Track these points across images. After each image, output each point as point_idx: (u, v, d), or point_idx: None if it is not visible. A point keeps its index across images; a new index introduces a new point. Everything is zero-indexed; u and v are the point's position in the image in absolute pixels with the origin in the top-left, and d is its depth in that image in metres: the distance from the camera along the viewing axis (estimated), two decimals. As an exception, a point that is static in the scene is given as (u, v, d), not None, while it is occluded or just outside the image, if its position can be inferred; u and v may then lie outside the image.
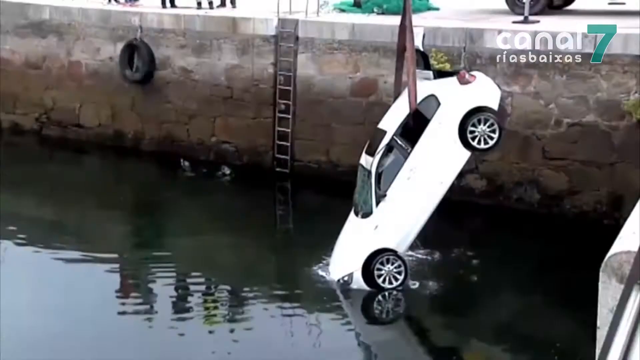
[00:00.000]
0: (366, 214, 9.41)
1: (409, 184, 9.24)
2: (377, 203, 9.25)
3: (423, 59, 9.87)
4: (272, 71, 13.52)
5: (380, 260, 9.15)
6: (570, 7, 14.45)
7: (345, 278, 9.30)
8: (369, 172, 9.38)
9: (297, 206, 13.66)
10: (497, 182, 11.81)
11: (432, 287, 9.39)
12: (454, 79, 9.57)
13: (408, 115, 9.30)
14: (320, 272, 9.67)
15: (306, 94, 13.28)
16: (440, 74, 9.93)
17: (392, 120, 9.53)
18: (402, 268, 9.21)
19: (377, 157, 9.29)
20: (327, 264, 9.73)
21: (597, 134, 11.02)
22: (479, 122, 9.14)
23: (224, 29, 14.02)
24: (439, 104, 9.32)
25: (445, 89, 9.47)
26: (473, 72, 9.89)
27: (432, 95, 9.35)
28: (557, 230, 10.88)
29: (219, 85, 14.12)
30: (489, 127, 9.15)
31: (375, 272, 9.15)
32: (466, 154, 9.33)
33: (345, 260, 9.44)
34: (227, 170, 13.80)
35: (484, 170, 11.82)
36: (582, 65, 10.95)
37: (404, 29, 9.65)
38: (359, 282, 9.22)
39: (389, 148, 9.33)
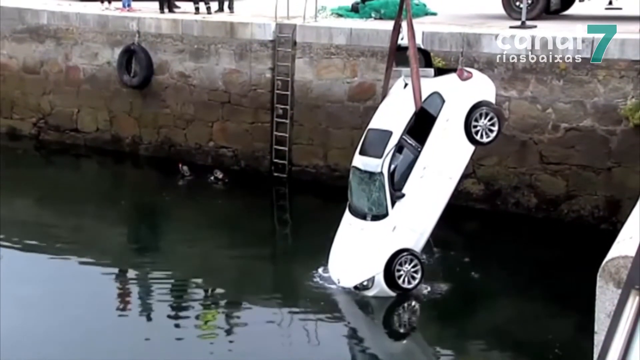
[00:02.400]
0: (379, 216, 9.32)
1: (423, 182, 9.30)
2: (393, 204, 9.24)
3: (424, 57, 9.92)
4: (270, 76, 13.54)
5: (399, 261, 9.12)
6: (567, 12, 14.49)
7: (365, 283, 9.17)
8: (374, 173, 9.33)
9: (295, 211, 13.64)
10: (494, 186, 11.82)
11: (429, 291, 9.37)
12: (453, 75, 9.76)
13: (414, 114, 9.35)
14: (320, 279, 9.60)
15: (304, 99, 13.29)
16: (439, 72, 10.03)
17: (395, 119, 9.51)
18: (419, 267, 9.23)
19: (388, 158, 9.26)
20: (326, 271, 9.62)
21: (595, 138, 11.04)
22: (481, 116, 9.43)
23: (221, 33, 14.03)
24: (443, 101, 9.46)
25: (448, 86, 9.62)
26: (469, 69, 10.13)
27: (436, 93, 9.49)
28: (555, 235, 10.90)
29: (217, 90, 14.13)
30: (489, 120, 9.47)
31: (396, 274, 9.13)
32: (471, 149, 9.58)
33: (362, 265, 9.25)
34: (220, 174, 13.72)
35: (482, 174, 11.83)
36: (579, 70, 10.98)
37: (397, 28, 9.78)
38: (380, 285, 9.13)
39: (399, 148, 9.33)
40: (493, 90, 9.94)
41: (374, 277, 9.14)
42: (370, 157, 9.50)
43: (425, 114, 9.40)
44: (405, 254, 9.15)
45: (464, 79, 9.66)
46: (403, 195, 9.22)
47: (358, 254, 9.38)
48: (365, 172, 9.53)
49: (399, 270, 9.12)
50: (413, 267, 9.19)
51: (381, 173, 9.26)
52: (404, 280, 9.17)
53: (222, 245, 11.30)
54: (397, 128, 9.37)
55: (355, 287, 9.26)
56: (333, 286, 9.45)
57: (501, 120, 9.73)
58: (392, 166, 9.27)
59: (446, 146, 9.40)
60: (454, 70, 10.00)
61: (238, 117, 13.97)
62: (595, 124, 11.03)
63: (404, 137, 9.31)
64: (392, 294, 9.20)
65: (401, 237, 9.24)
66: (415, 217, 9.29)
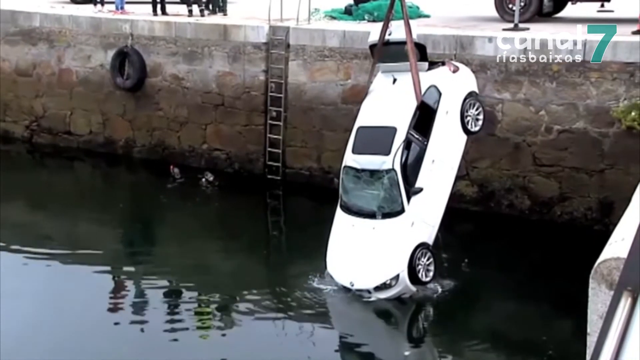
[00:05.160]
0: (392, 213, 9.28)
1: (432, 175, 9.41)
2: (409, 199, 9.23)
3: (420, 51, 10.01)
4: (263, 78, 13.53)
5: (417, 256, 9.13)
6: (560, 14, 14.53)
7: (388, 282, 9.08)
8: (380, 171, 9.31)
9: (289, 213, 13.64)
10: (488, 188, 11.84)
11: (422, 294, 9.37)
12: (445, 68, 10.08)
13: (417, 108, 9.44)
14: (315, 282, 9.53)
15: (297, 101, 13.29)
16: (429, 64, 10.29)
17: (397, 115, 9.54)
18: (432, 260, 9.27)
19: (398, 153, 9.27)
20: (323, 275, 9.53)
21: (587, 140, 11.07)
22: (470, 106, 9.86)
23: (215, 36, 14.03)
24: (440, 93, 9.66)
25: (442, 78, 9.88)
26: (455, 62, 10.51)
27: (433, 86, 9.69)
28: (548, 237, 10.91)
29: (210, 92, 14.12)
30: (476, 110, 9.94)
31: (416, 269, 9.12)
32: (465, 138, 9.89)
33: (385, 264, 9.12)
34: (211, 177, 13.68)
35: (475, 176, 11.85)
36: (572, 73, 11.02)
37: (386, 24, 9.90)
38: (404, 282, 9.08)
39: (407, 144, 9.35)
40: (475, 81, 10.45)
41: (398, 275, 9.06)
42: (372, 155, 9.45)
43: (425, 107, 9.53)
44: (421, 248, 9.20)
45: (453, 72, 10.06)
46: (421, 190, 9.26)
47: (376, 253, 9.24)
48: (364, 170, 9.49)
49: (417, 265, 9.13)
50: (427, 260, 9.24)
51: (393, 170, 9.25)
52: (422, 275, 9.19)
53: (215, 248, 11.30)
54: (402, 123, 9.41)
55: (376, 288, 9.12)
56: (329, 290, 9.43)
57: (485, 110, 10.30)
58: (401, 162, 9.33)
59: (447, 138, 9.63)
60: (440, 63, 10.30)
61: (231, 119, 13.96)
62: (588, 126, 11.06)
63: (411, 132, 9.36)
64: (414, 289, 9.18)
65: (419, 231, 9.28)
66: (428, 211, 9.37)
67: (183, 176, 13.97)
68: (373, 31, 10.59)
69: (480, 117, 10.01)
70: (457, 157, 9.84)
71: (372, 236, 9.37)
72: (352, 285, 9.21)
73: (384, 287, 9.11)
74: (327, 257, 9.52)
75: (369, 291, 9.19)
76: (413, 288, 9.15)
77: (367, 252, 9.31)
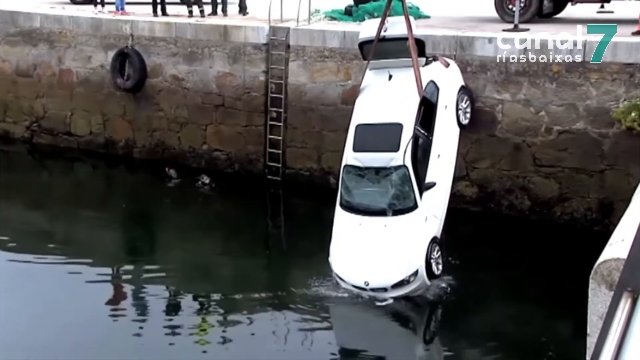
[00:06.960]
0: (404, 210, 9.24)
1: (438, 169, 9.49)
2: (421, 195, 9.23)
3: (418, 46, 10.02)
4: (264, 79, 13.54)
5: (431, 250, 9.16)
6: (560, 15, 14.53)
7: (406, 278, 9.00)
8: (388, 168, 9.29)
9: (289, 213, 13.64)
10: (488, 189, 11.84)
11: (422, 294, 9.37)
12: (439, 63, 10.38)
13: (420, 103, 9.51)
14: (316, 282, 9.52)
15: (297, 102, 13.30)
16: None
17: (401, 111, 9.53)
18: (440, 252, 9.33)
19: (408, 149, 9.26)
20: (324, 276, 9.50)
21: (587, 141, 11.07)
22: (461, 100, 10.23)
23: (215, 36, 14.04)
24: (437, 88, 9.82)
25: (438, 73, 10.09)
26: (444, 58, 10.87)
27: (432, 81, 9.85)
28: (548, 237, 10.92)
29: (211, 93, 14.12)
30: (465, 103, 10.31)
31: (430, 262, 9.15)
32: (459, 131, 10.19)
33: (403, 261, 9.02)
34: (207, 179, 13.68)
35: (475, 177, 11.86)
36: (572, 73, 11.02)
37: (383, 20, 9.94)
38: (422, 278, 9.05)
39: (414, 139, 9.36)
40: (461, 75, 10.85)
41: (417, 271, 9.01)
42: (378, 152, 9.41)
43: (426, 102, 9.59)
44: (432, 242, 9.24)
45: (446, 67, 10.43)
46: (433, 185, 9.31)
47: (391, 251, 9.13)
48: (368, 168, 9.45)
49: (431, 259, 9.17)
50: (437, 253, 9.30)
51: (404, 166, 9.22)
52: (435, 269, 9.22)
53: (216, 249, 11.31)
54: (407, 119, 9.39)
55: (393, 285, 9.01)
56: (330, 290, 9.43)
57: (473, 103, 10.79)
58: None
59: (447, 131, 9.82)
60: (432, 58, 10.50)
61: (232, 120, 13.96)
62: (588, 127, 11.07)
63: (417, 128, 9.40)
64: (429, 284, 9.18)
65: (432, 226, 9.34)
66: (436, 205, 9.42)
67: (181, 177, 13.97)
68: (363, 29, 10.59)
69: (469, 110, 10.46)
70: (455, 150, 10.10)
71: (384, 234, 9.24)
72: (367, 285, 9.04)
73: (401, 283, 9.00)
74: (332, 258, 9.37)
75: (385, 289, 9.04)
76: (428, 282, 9.15)
77: (381, 250, 9.16)
